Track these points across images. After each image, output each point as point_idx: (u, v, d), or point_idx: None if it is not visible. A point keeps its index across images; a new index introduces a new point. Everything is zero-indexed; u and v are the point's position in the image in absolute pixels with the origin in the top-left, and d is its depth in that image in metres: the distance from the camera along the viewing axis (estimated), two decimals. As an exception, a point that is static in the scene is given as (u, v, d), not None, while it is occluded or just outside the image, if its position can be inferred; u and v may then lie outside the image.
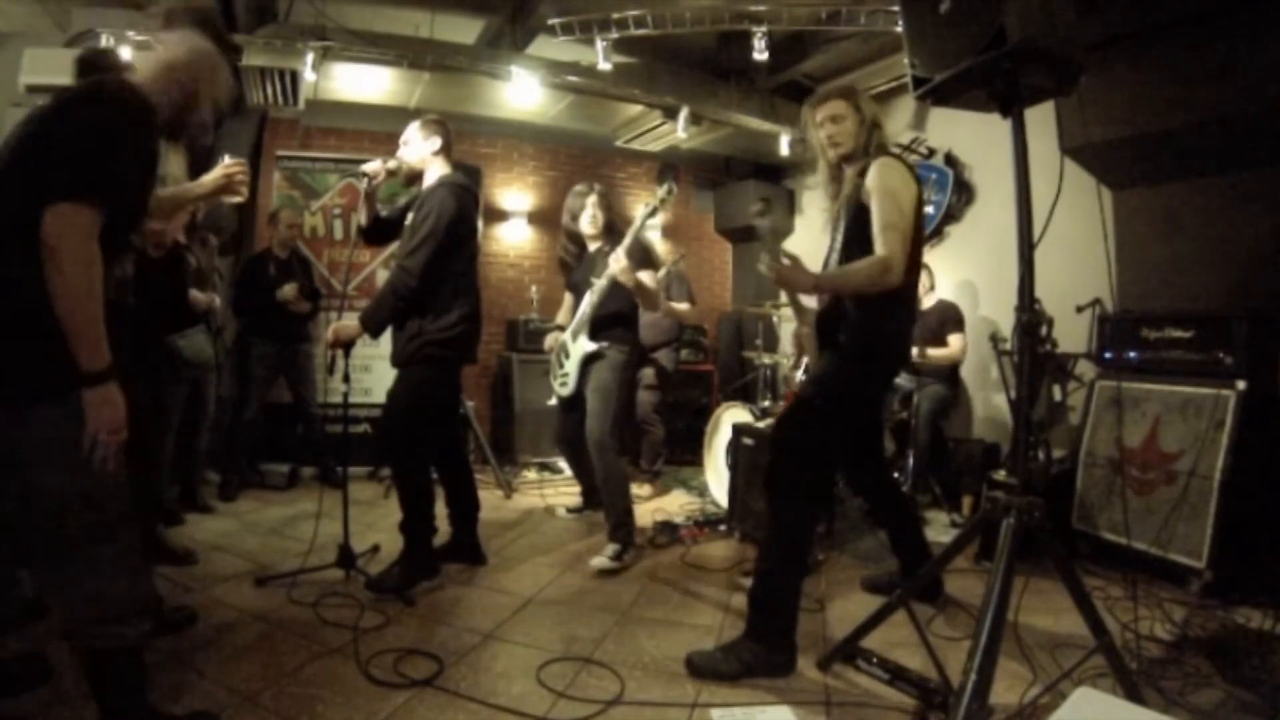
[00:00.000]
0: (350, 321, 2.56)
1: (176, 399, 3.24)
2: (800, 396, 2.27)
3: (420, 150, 2.70)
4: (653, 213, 2.97)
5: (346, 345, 2.55)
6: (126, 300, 2.04)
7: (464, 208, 2.61)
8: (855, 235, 2.15)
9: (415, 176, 2.74)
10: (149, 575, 1.51)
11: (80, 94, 1.39)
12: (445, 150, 2.73)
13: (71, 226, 1.27)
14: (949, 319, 4.04)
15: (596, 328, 3.05)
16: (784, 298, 2.59)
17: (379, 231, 2.88)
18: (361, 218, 2.79)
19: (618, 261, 2.87)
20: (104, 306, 1.33)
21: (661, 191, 2.98)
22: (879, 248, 2.03)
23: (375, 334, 2.61)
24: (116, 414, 1.35)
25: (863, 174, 2.14)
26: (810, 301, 2.41)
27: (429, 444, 2.70)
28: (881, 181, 2.08)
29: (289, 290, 4.04)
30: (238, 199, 2.44)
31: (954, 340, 3.99)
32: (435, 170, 2.71)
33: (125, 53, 3.54)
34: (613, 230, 3.17)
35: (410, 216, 2.68)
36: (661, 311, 3.94)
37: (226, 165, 2.10)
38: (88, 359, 1.31)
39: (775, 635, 2.02)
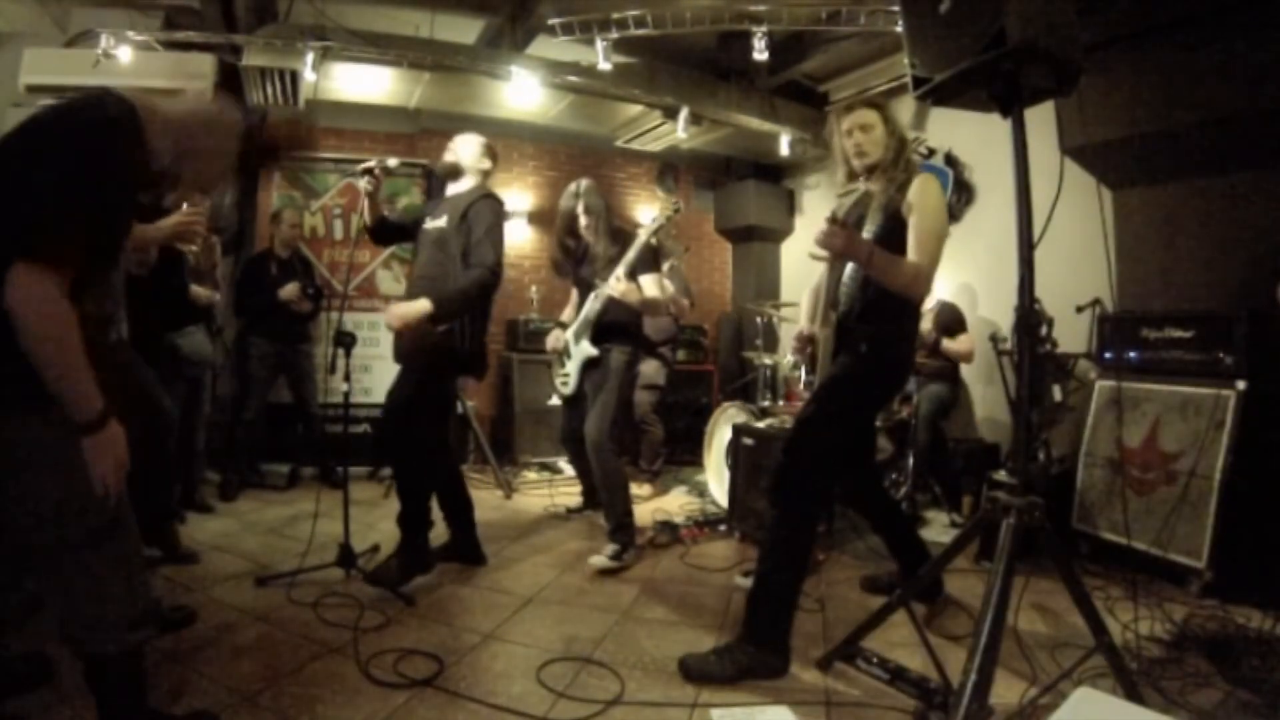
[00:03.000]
0: (418, 304, 2.50)
1: (175, 397, 3.24)
2: (816, 400, 2.25)
3: (472, 159, 2.81)
4: (658, 229, 2.97)
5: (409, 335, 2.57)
6: (108, 338, 2.04)
7: (503, 222, 2.74)
8: (885, 244, 2.13)
9: (451, 173, 2.81)
10: (148, 579, 1.50)
11: (70, 127, 1.29)
12: (487, 176, 2.87)
13: (29, 292, 1.20)
14: (953, 320, 4.05)
15: (599, 333, 3.06)
16: (804, 303, 2.59)
17: (386, 232, 2.92)
18: (365, 216, 2.81)
19: (618, 283, 2.90)
20: (86, 348, 1.27)
21: (669, 209, 3.01)
22: (918, 256, 2.05)
23: (446, 322, 2.62)
24: (118, 453, 1.33)
25: (902, 189, 2.16)
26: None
27: (431, 438, 2.71)
28: (925, 199, 2.11)
29: (291, 290, 4.04)
30: (192, 248, 2.51)
31: (964, 339, 4.01)
32: (472, 180, 2.81)
33: (124, 54, 3.55)
34: (616, 232, 3.15)
35: (436, 222, 2.72)
36: (668, 302, 3.89)
37: (184, 213, 2.23)
38: (77, 412, 1.27)
39: (771, 637, 2.02)
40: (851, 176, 2.36)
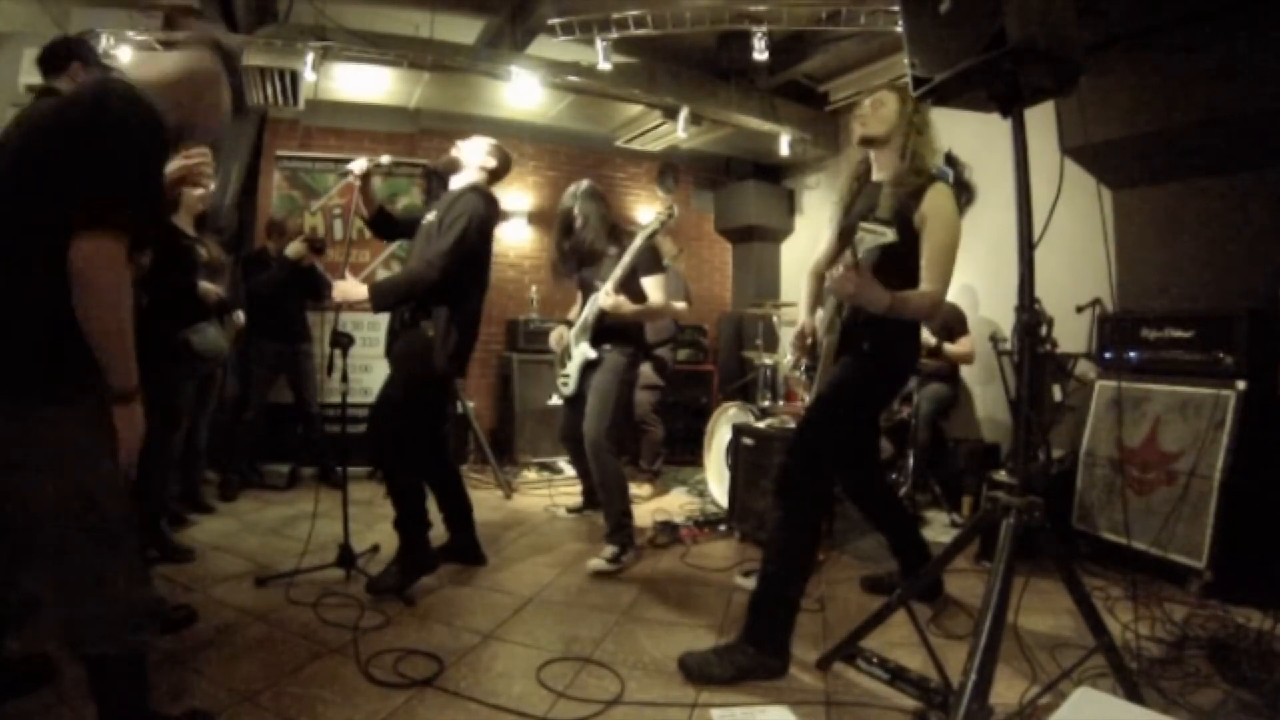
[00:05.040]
0: (359, 286, 2.54)
1: (188, 396, 3.22)
2: (820, 401, 2.24)
3: (475, 157, 2.79)
4: (652, 235, 2.96)
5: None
6: (141, 295, 2.04)
7: (492, 218, 2.71)
8: (895, 256, 2.09)
9: (451, 167, 2.78)
10: (150, 579, 1.50)
11: (96, 104, 1.33)
12: (494, 177, 2.85)
13: (101, 258, 1.26)
14: (952, 320, 4.05)
15: (598, 335, 3.06)
16: (806, 313, 2.58)
17: (386, 225, 2.93)
18: (362, 210, 2.82)
19: (608, 297, 2.90)
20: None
21: (663, 214, 3.00)
22: (932, 283, 2.02)
23: (379, 309, 2.63)
24: (139, 432, 1.38)
25: (917, 195, 2.09)
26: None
27: (418, 441, 2.68)
28: (942, 211, 2.06)
29: (297, 247, 3.90)
30: (200, 189, 2.30)
31: (965, 341, 4.00)
32: (470, 177, 2.78)
33: (124, 54, 3.54)
34: (615, 231, 3.15)
35: (431, 214, 2.71)
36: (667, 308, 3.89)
37: (187, 154, 2.01)
38: (120, 380, 1.33)
39: (772, 639, 2.02)
40: (854, 179, 2.34)
